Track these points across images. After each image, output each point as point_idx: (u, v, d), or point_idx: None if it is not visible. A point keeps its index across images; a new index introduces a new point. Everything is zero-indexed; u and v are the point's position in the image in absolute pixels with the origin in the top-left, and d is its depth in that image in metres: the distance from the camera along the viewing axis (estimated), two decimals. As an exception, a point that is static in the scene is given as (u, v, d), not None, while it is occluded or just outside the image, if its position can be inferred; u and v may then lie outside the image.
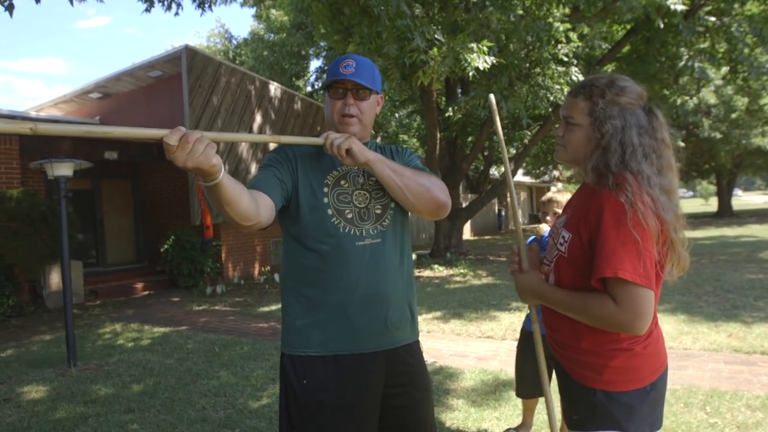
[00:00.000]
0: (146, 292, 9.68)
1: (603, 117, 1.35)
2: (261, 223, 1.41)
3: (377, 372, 1.57)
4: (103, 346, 5.59)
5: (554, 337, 1.49)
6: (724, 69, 14.91)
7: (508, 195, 1.73)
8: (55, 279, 8.13)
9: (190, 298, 8.70)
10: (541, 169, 23.31)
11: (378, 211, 1.61)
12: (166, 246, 9.63)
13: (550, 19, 7.64)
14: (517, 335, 3.16)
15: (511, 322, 5.79)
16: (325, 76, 1.66)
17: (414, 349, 1.67)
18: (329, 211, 1.56)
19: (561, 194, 2.87)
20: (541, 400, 3.00)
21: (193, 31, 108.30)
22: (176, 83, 10.08)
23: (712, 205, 29.57)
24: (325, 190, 1.58)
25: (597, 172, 1.35)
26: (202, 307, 7.82)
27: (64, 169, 4.71)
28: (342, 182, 1.61)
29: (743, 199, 57.51)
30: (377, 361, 1.57)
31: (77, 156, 7.19)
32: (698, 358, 4.28)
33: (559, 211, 2.81)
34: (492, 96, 1.71)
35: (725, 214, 26.55)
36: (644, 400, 1.36)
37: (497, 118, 1.73)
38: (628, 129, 1.33)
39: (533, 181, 26.08)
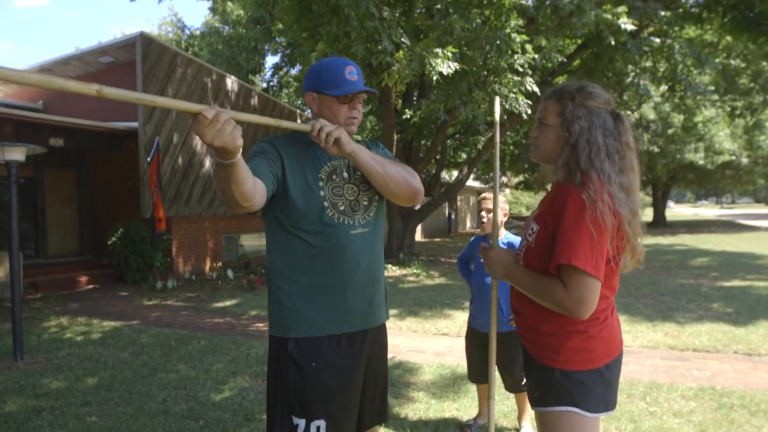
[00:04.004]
0: (91, 286, 9.31)
1: (572, 118, 1.48)
2: (255, 205, 1.48)
3: (366, 348, 1.76)
4: (50, 339, 5.38)
5: (519, 321, 1.62)
6: (663, 87, 15.83)
7: (493, 196, 1.91)
8: (-7, 269, 7.70)
9: (139, 292, 8.44)
10: (490, 174, 23.97)
11: (365, 203, 1.76)
12: (114, 238, 9.30)
13: (508, 30, 7.94)
14: None
15: (464, 320, 5.95)
16: (304, 76, 1.74)
17: (385, 327, 1.89)
18: (325, 203, 1.68)
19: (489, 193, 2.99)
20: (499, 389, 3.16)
21: (144, 18, 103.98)
22: (129, 71, 9.74)
23: (647, 215, 31.25)
24: (321, 183, 1.70)
25: (567, 169, 1.47)
26: (153, 302, 7.62)
27: (16, 154, 4.51)
28: (333, 177, 1.74)
29: (675, 211, 60.92)
30: (366, 338, 1.75)
31: (20, 140, 6.86)
32: (638, 354, 4.60)
33: (490, 206, 2.85)
34: (498, 99, 1.85)
35: (659, 224, 28.13)
36: (598, 380, 1.49)
37: (498, 123, 1.87)
38: (594, 129, 1.46)
39: (483, 186, 26.73)
